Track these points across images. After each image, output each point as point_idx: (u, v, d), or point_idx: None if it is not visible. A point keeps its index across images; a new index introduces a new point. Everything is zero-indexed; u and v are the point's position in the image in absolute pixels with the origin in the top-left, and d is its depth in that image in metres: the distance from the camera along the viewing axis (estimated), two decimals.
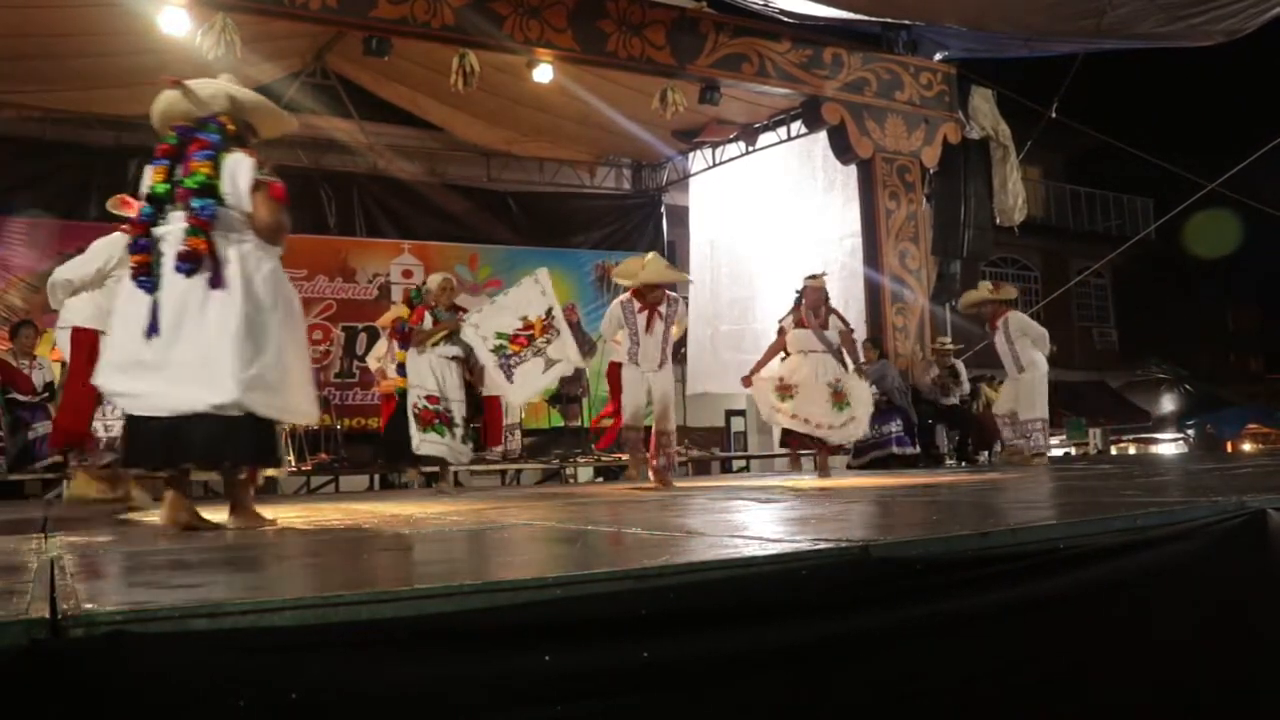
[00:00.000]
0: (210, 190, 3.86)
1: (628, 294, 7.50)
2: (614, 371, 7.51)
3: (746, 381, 8.44)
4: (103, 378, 3.97)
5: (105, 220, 6.24)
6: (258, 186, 3.94)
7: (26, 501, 8.41)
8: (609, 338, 7.59)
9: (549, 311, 7.93)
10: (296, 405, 4.08)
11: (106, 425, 6.09)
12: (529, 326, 7.91)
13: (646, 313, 7.36)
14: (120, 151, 11.57)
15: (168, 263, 3.82)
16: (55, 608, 1.73)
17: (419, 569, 2.56)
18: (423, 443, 7.59)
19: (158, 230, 3.90)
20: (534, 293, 8.01)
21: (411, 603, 1.79)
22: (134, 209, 4.71)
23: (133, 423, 3.94)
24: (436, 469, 7.97)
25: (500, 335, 7.75)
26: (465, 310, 8.11)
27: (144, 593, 1.96)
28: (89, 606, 1.74)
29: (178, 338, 3.77)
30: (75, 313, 5.94)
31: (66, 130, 11.54)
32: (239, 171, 3.92)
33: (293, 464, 9.81)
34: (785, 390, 8.08)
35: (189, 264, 3.77)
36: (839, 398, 8.06)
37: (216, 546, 3.18)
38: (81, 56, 10.34)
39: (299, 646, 1.67)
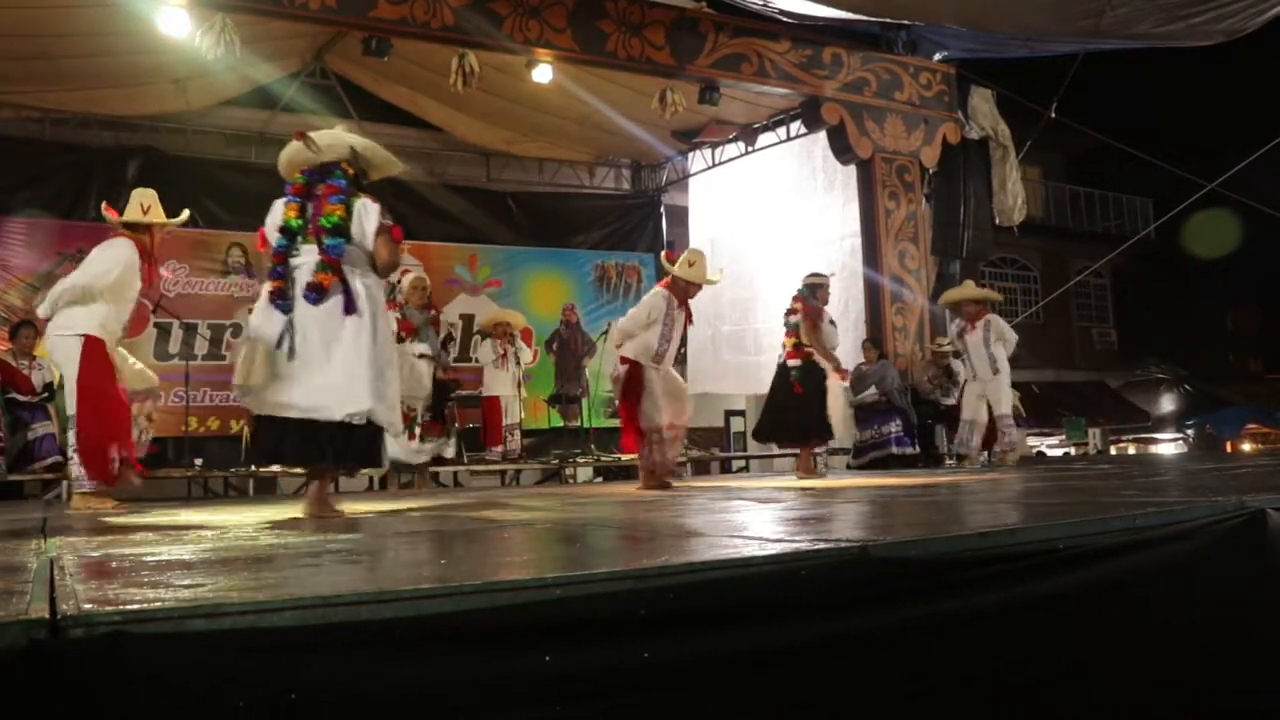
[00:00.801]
0: (342, 230, 4.47)
1: (665, 288, 7.14)
2: (634, 375, 6.97)
3: (842, 376, 8.45)
4: (244, 382, 4.50)
5: (104, 221, 6.19)
6: (381, 230, 4.51)
7: (26, 502, 8.41)
8: (632, 331, 7.07)
9: None
10: (396, 419, 4.70)
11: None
12: None
13: (681, 309, 7.11)
14: (119, 152, 11.59)
15: (299, 290, 4.45)
16: (55, 608, 1.73)
17: (418, 569, 2.55)
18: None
19: (293, 260, 4.52)
20: None
21: (411, 603, 1.79)
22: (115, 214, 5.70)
23: (268, 424, 4.54)
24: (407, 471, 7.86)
25: None
26: (438, 310, 8.01)
27: (143, 593, 1.96)
28: (88, 607, 1.74)
29: (317, 355, 4.39)
30: (82, 321, 5.76)
31: (65, 131, 11.54)
32: (366, 216, 4.51)
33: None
34: None
35: (315, 294, 4.41)
36: None
37: (214, 547, 3.18)
38: (81, 57, 10.34)
39: (298, 647, 1.66)
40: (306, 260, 4.49)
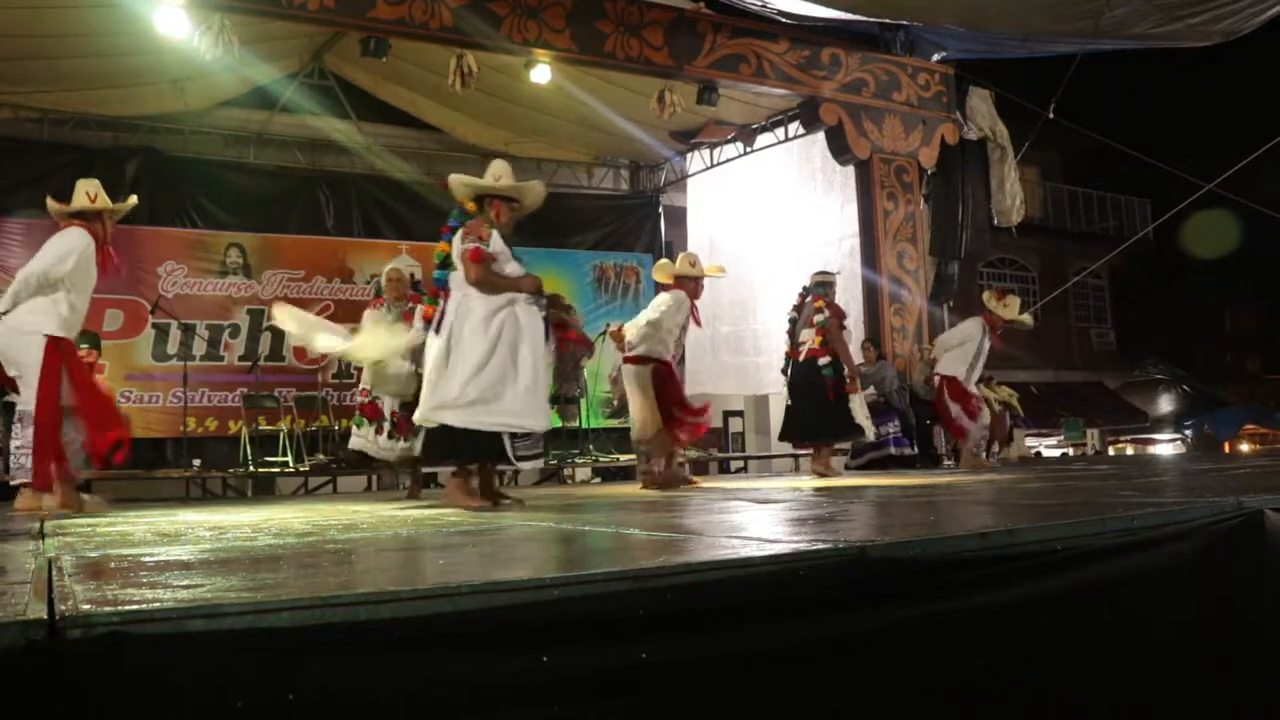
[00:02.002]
0: (446, 263, 5.40)
1: (684, 290, 7.32)
2: (668, 373, 7.23)
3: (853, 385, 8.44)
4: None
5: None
6: (461, 255, 5.19)
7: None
8: (668, 336, 7.23)
9: None
10: (509, 419, 5.12)
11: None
12: None
13: (692, 312, 7.35)
14: (118, 152, 11.59)
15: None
16: (53, 609, 1.73)
17: (417, 570, 2.55)
18: (356, 437, 7.51)
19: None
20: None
21: (409, 603, 1.79)
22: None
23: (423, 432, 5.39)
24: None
25: None
26: (416, 301, 7.97)
27: (141, 594, 1.96)
28: (86, 607, 1.74)
29: (426, 370, 5.27)
30: (45, 320, 5.63)
31: (64, 131, 11.53)
32: (456, 243, 5.26)
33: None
34: None
35: (425, 323, 5.52)
36: None
37: (213, 548, 3.18)
38: (79, 57, 10.34)
39: (296, 647, 1.66)
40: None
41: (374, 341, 6.92)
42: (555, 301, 5.47)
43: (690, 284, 7.34)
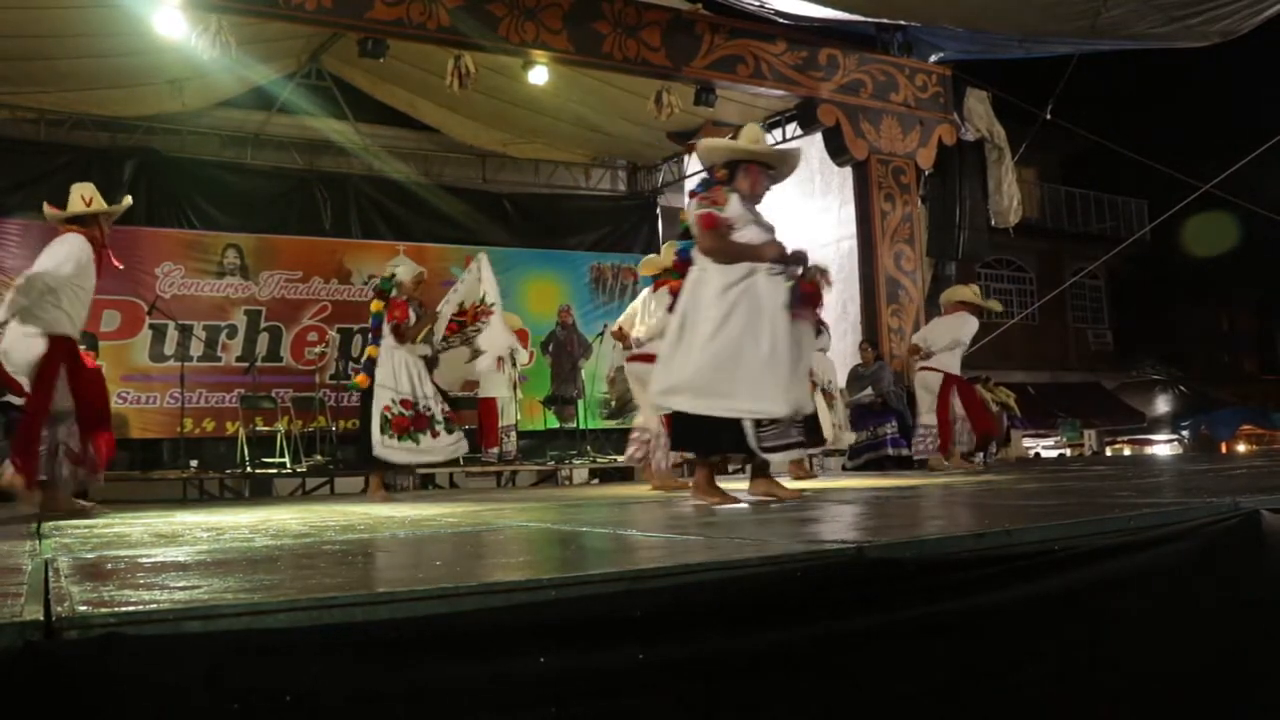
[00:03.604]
0: (687, 233, 5.06)
1: (666, 287, 7.09)
2: None
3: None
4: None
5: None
6: (696, 223, 4.78)
7: (22, 503, 8.39)
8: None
9: (483, 298, 7.79)
10: (746, 404, 4.61)
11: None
12: (463, 313, 7.79)
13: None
14: (115, 152, 11.60)
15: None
16: (49, 610, 1.73)
17: (414, 571, 2.55)
18: (388, 448, 7.15)
19: None
20: (473, 279, 7.91)
21: (406, 604, 1.79)
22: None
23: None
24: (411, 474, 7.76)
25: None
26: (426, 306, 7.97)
27: (138, 595, 1.96)
28: (83, 609, 1.74)
29: (666, 349, 4.85)
30: (48, 320, 5.65)
31: (61, 131, 11.54)
32: (690, 210, 4.89)
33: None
34: (828, 399, 8.09)
35: (670, 298, 5.10)
36: None
37: (210, 549, 3.18)
38: (77, 57, 10.34)
39: (293, 649, 1.66)
40: None
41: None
42: (802, 263, 4.83)
43: (670, 276, 7.30)
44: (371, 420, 7.18)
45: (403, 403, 7.19)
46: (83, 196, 5.92)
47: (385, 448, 7.17)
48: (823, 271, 4.94)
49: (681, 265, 4.95)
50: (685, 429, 4.79)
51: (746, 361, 4.57)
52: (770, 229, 4.85)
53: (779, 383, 4.61)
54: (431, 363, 7.72)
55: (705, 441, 4.79)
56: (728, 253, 4.69)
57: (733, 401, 4.58)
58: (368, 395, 7.26)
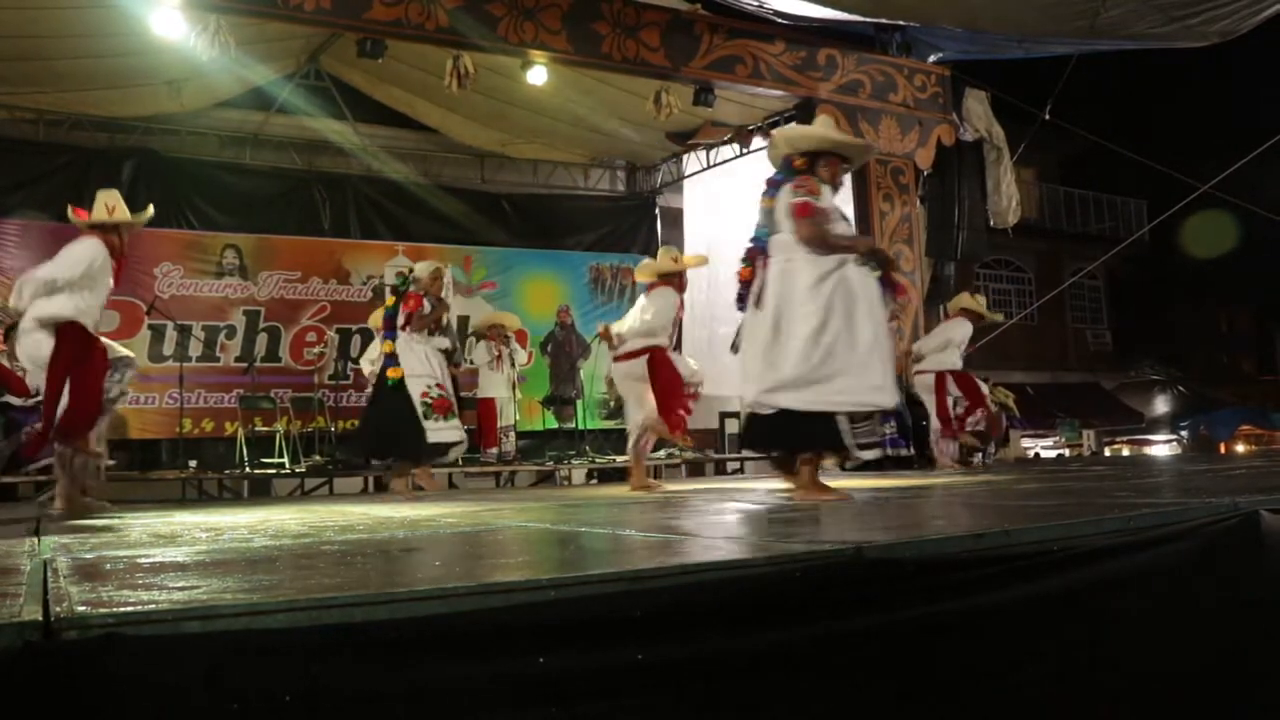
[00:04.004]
0: (767, 221, 4.80)
1: (671, 286, 7.29)
2: (664, 360, 7.14)
3: None
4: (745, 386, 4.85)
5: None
6: (790, 211, 4.66)
7: (20, 503, 8.40)
8: (661, 332, 7.18)
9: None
10: (848, 397, 4.59)
11: None
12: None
13: (680, 305, 7.35)
14: (114, 153, 11.58)
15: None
16: (48, 610, 1.73)
17: (412, 571, 2.55)
18: (439, 430, 7.36)
19: None
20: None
21: (405, 605, 1.79)
22: (83, 215, 5.86)
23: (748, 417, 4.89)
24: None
25: None
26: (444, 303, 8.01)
27: (137, 595, 1.96)
28: (82, 609, 1.74)
29: (750, 349, 4.83)
30: (60, 308, 5.80)
31: (60, 132, 11.52)
32: (781, 199, 4.75)
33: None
34: None
35: (742, 288, 4.93)
36: None
37: (209, 549, 3.18)
38: (75, 58, 10.33)
39: (292, 649, 1.66)
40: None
41: None
42: (887, 259, 4.86)
43: (675, 279, 7.33)
44: (415, 411, 7.32)
45: (438, 385, 7.41)
46: (106, 204, 6.03)
47: (437, 431, 7.35)
48: (895, 265, 4.96)
49: (755, 253, 4.85)
50: (783, 427, 4.65)
51: (846, 353, 4.55)
52: (848, 221, 4.92)
53: (879, 374, 4.62)
54: (453, 360, 7.85)
55: (803, 439, 4.68)
56: (826, 243, 4.64)
57: (836, 395, 4.55)
58: (400, 391, 7.38)
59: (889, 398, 4.67)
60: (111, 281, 5.99)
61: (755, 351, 4.77)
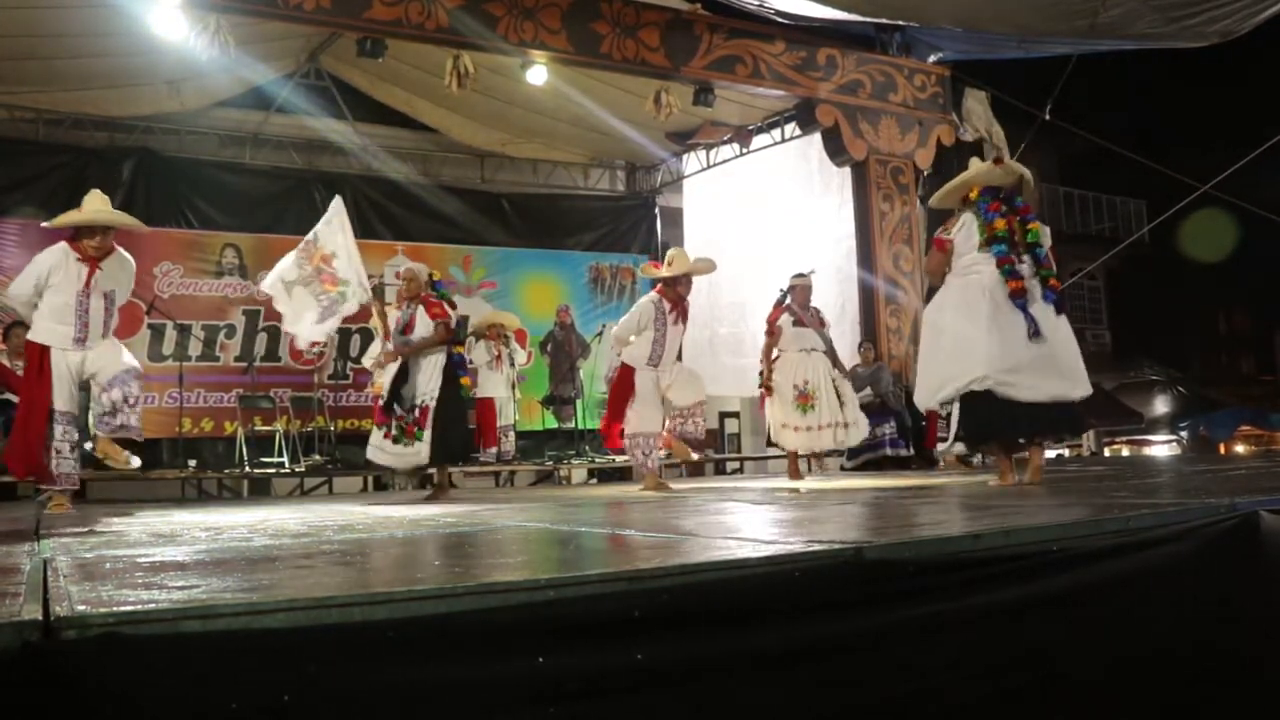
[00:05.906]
0: (1039, 243, 5.45)
1: (656, 292, 7.25)
2: (624, 375, 7.18)
3: (767, 393, 8.15)
4: (982, 371, 5.21)
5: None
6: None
7: (20, 503, 8.39)
8: (625, 338, 7.21)
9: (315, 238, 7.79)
10: (967, 376, 5.31)
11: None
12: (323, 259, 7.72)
13: (676, 312, 7.19)
14: (114, 152, 11.58)
15: (1034, 289, 5.32)
16: (48, 610, 1.73)
17: (412, 571, 2.55)
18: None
19: (1019, 267, 5.35)
20: (330, 228, 7.84)
21: (404, 604, 1.79)
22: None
23: (983, 402, 5.24)
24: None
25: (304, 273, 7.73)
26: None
27: (137, 595, 1.96)
28: (82, 608, 1.74)
29: (1048, 346, 5.23)
30: (34, 329, 5.90)
31: (59, 131, 11.51)
32: (1044, 234, 5.51)
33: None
34: (805, 401, 7.97)
35: (1056, 294, 5.36)
36: (839, 398, 8.07)
37: (209, 549, 3.18)
38: (75, 57, 10.33)
39: (291, 648, 1.66)
40: (1026, 265, 5.37)
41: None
42: None
43: (671, 287, 7.23)
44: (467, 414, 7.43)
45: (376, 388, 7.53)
46: (75, 207, 6.00)
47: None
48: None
49: (1048, 265, 5.46)
50: (964, 420, 5.35)
51: (968, 337, 5.29)
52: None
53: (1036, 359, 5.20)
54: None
55: (980, 429, 5.37)
56: (933, 273, 5.82)
57: (967, 377, 5.22)
58: (462, 394, 7.48)
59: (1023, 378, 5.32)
60: (71, 286, 5.82)
61: (1075, 348, 5.38)
